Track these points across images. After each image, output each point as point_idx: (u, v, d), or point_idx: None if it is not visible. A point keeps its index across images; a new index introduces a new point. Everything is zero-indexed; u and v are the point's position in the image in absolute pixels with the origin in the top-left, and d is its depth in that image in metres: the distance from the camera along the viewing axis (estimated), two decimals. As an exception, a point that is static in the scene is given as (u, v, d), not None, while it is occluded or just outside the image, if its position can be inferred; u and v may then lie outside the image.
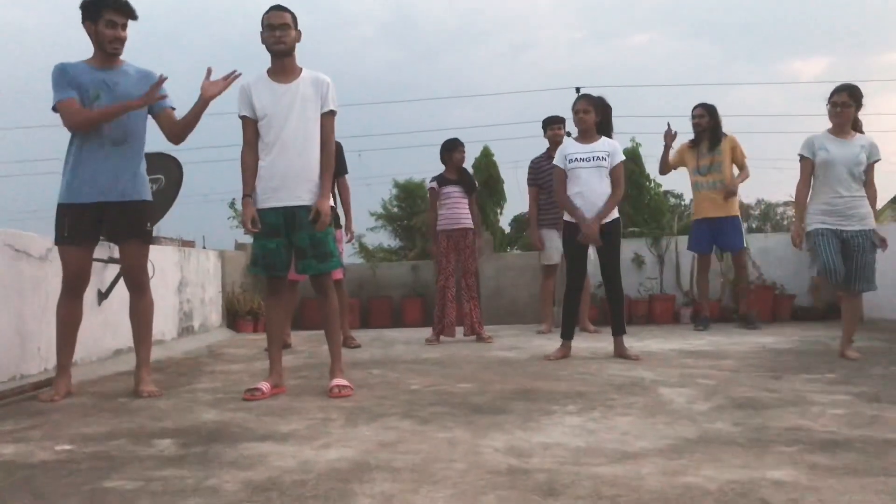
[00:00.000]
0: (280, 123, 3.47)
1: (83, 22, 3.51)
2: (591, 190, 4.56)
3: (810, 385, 3.43)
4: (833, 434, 2.47)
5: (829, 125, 4.48)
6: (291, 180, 3.46)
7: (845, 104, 4.38)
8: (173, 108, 3.70)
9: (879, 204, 7.53)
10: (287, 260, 3.53)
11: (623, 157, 4.72)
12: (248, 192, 3.49)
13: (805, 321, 6.63)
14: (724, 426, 2.63)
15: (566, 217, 4.68)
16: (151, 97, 3.47)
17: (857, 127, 4.49)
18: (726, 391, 3.31)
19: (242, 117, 3.54)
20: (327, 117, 3.57)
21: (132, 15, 3.55)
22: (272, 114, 3.48)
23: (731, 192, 6.14)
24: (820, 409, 2.87)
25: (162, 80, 3.50)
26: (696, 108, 6.33)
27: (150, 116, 3.67)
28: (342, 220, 5.67)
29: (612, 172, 4.62)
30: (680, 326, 6.64)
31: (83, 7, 3.50)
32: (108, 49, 3.52)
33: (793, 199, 4.76)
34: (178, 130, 3.67)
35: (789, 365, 4.10)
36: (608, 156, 4.60)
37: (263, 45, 3.53)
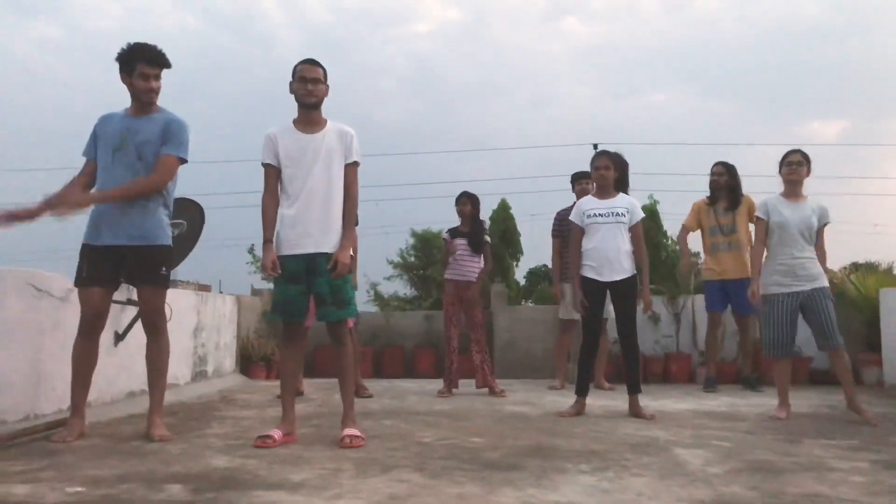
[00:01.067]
0: (305, 173, 3.54)
1: (120, 74, 3.64)
2: (609, 245, 4.57)
3: (829, 451, 3.37)
4: (854, 502, 2.42)
5: (782, 189, 4.70)
6: (315, 228, 3.51)
7: (800, 163, 4.64)
8: (179, 158, 3.66)
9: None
10: (306, 307, 3.56)
11: (643, 215, 4.74)
12: (269, 237, 3.54)
13: (823, 385, 6.52)
14: (740, 490, 2.58)
15: (582, 272, 4.68)
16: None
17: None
18: (742, 454, 3.26)
19: (266, 165, 3.60)
20: (351, 168, 3.63)
21: (165, 64, 3.68)
22: (297, 163, 3.55)
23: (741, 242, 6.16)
24: (840, 476, 2.82)
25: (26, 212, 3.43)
26: (715, 165, 6.36)
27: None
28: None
29: (633, 231, 4.65)
30: (696, 386, 6.55)
31: (119, 61, 3.63)
32: (143, 99, 3.64)
33: None
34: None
35: (807, 429, 4.03)
36: (627, 212, 4.62)
37: (292, 95, 3.61)
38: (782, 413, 4.45)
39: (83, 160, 3.73)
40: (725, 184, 6.24)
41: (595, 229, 4.63)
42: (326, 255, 3.51)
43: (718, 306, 6.25)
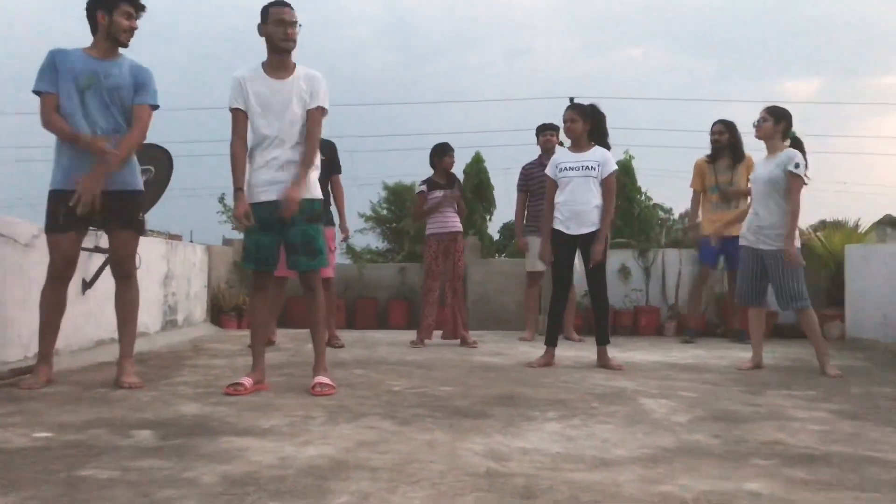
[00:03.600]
0: (276, 119, 3.48)
1: (95, 11, 3.51)
2: (576, 199, 4.58)
3: (790, 401, 3.46)
4: (811, 449, 2.49)
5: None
6: (285, 175, 3.46)
7: (762, 119, 4.58)
8: (152, 106, 3.64)
9: (865, 225, 7.60)
10: (278, 255, 3.54)
11: (615, 167, 4.72)
12: (241, 185, 3.47)
13: (786, 338, 6.66)
14: (703, 437, 2.64)
15: (553, 224, 4.69)
16: (109, 164, 3.43)
17: (799, 146, 4.54)
18: (706, 404, 3.33)
19: (235, 110, 3.51)
20: (315, 112, 3.55)
21: (143, 8, 3.61)
22: (268, 110, 3.48)
23: (728, 196, 6.18)
24: (799, 425, 2.90)
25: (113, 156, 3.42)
26: (715, 124, 6.35)
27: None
28: (335, 219, 5.69)
29: (605, 182, 4.64)
30: (664, 339, 6.67)
31: None
32: (121, 39, 3.55)
33: None
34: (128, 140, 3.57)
35: (770, 380, 4.12)
36: (598, 165, 4.61)
37: (265, 38, 3.51)
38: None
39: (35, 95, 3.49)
40: (727, 141, 6.25)
41: (565, 182, 4.63)
42: (300, 204, 3.46)
43: (712, 260, 6.35)
